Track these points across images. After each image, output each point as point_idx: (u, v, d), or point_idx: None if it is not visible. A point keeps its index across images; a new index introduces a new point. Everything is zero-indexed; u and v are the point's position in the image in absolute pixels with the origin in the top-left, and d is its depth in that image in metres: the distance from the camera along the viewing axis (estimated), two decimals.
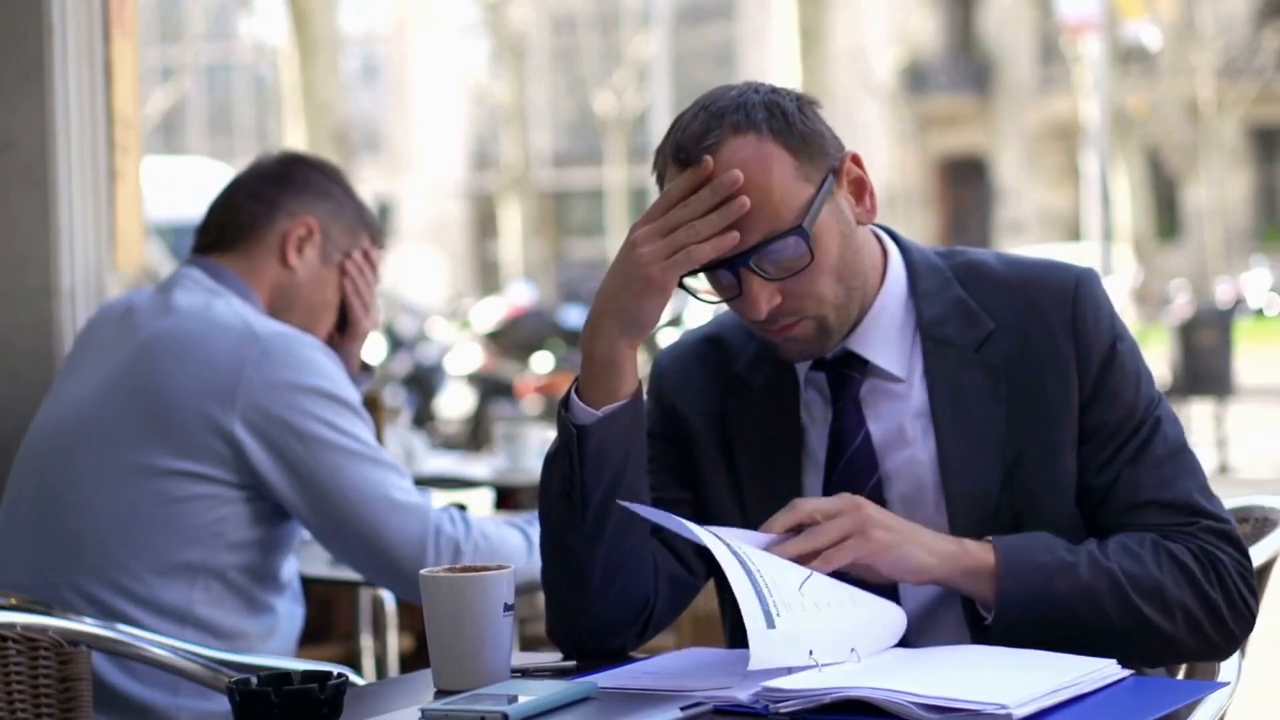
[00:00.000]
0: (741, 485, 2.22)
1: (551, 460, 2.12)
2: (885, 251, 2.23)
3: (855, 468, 2.17)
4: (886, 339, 2.19)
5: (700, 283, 2.15)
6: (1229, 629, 2.09)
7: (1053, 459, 2.14)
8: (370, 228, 3.00)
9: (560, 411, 2.11)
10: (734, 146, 2.07)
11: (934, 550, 2.05)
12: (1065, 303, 2.17)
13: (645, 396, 2.31)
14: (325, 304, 2.96)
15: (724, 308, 2.19)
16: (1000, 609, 2.04)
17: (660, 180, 2.14)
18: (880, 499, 2.16)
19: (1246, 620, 2.11)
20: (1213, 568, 2.09)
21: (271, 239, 2.92)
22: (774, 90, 2.13)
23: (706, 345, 2.31)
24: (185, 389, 2.74)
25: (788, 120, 2.10)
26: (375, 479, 2.74)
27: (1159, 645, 2.08)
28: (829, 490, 2.18)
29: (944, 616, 2.14)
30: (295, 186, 2.94)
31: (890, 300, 2.20)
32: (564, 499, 2.11)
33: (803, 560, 1.99)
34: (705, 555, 2.24)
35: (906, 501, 2.16)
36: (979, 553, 2.06)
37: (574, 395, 2.10)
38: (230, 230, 2.93)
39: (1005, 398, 2.15)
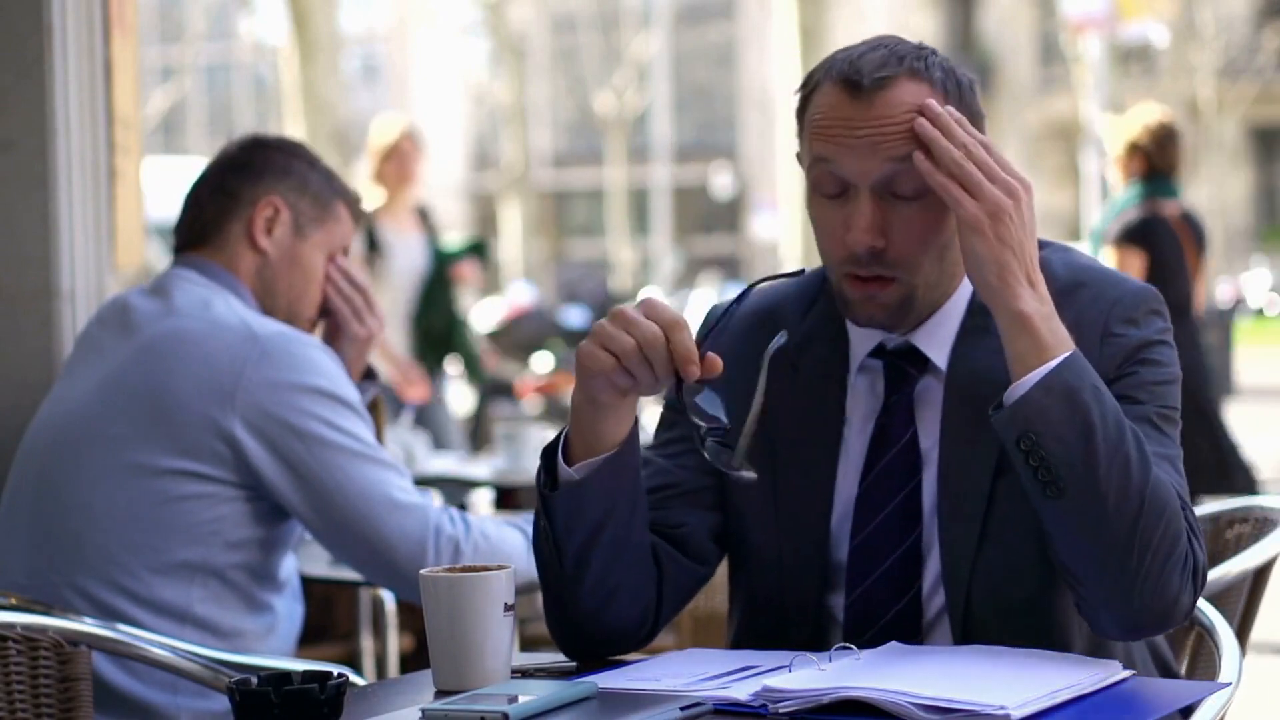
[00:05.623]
0: (777, 468, 2.17)
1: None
2: None
3: (895, 468, 2.13)
4: (948, 342, 2.15)
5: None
6: (1178, 593, 1.97)
7: None
8: (343, 194, 2.97)
9: (540, 467, 2.05)
10: (907, 88, 2.07)
11: (1029, 297, 1.98)
12: (1103, 309, 2.11)
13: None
14: (308, 279, 2.94)
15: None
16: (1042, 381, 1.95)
17: (808, 98, 2.11)
18: (916, 506, 2.12)
19: (1186, 612, 2.01)
20: (1190, 555, 1.99)
21: (239, 228, 2.92)
22: (949, 59, 2.13)
23: (756, 320, 2.22)
24: (185, 389, 2.74)
25: (960, 89, 2.11)
26: (375, 478, 2.74)
27: (1122, 530, 1.95)
28: (865, 487, 2.14)
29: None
30: (255, 171, 2.93)
31: (958, 305, 2.16)
32: (546, 539, 2.08)
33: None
34: (719, 543, 2.22)
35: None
36: (1051, 339, 1.97)
37: (560, 445, 2.04)
38: (198, 227, 2.94)
39: None
